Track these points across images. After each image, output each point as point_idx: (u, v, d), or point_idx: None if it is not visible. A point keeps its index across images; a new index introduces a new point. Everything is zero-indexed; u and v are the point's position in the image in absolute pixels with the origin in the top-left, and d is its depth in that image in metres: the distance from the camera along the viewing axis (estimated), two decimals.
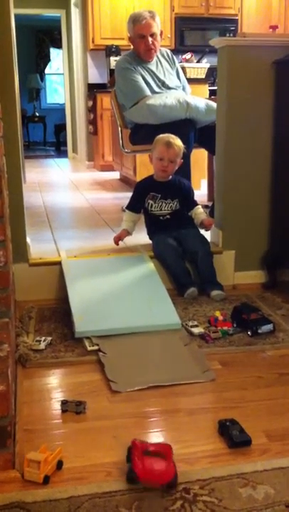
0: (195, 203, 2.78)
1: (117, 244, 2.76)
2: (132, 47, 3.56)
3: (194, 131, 3.31)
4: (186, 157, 3.16)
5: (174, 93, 3.46)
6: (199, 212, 2.76)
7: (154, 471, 1.26)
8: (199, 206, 2.78)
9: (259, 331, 2.13)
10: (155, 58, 3.56)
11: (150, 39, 3.42)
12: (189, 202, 2.76)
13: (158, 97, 3.39)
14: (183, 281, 2.55)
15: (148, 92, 3.43)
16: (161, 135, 2.75)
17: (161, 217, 2.73)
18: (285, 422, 1.57)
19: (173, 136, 2.72)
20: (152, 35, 3.42)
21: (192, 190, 2.82)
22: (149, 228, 2.82)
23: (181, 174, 2.81)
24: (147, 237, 2.78)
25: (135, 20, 3.42)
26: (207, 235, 2.83)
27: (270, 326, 2.15)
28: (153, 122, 3.34)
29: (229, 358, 1.96)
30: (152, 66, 3.54)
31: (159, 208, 2.72)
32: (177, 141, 2.68)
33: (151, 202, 2.72)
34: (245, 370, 1.89)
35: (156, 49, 3.49)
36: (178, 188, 2.73)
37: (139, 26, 3.41)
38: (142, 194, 2.75)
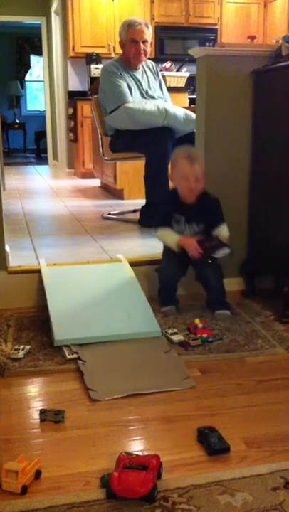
0: (220, 221, 2.42)
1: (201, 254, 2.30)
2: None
3: (172, 140, 3.33)
4: (164, 167, 3.18)
5: (154, 101, 3.50)
6: (223, 233, 2.40)
7: (130, 486, 1.25)
8: (224, 226, 2.42)
9: (216, 257, 2.16)
10: (141, 67, 3.63)
11: (142, 45, 3.50)
12: (215, 220, 2.42)
13: (138, 102, 3.43)
14: (166, 298, 2.49)
15: (130, 98, 3.47)
16: (177, 150, 2.48)
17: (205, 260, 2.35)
18: (263, 428, 1.58)
19: (193, 148, 2.50)
20: (144, 41, 3.53)
21: (219, 207, 2.43)
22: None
23: (159, 183, 2.80)
24: (128, 244, 2.74)
25: (130, 25, 3.52)
26: None
27: (226, 249, 2.19)
28: (131, 128, 3.37)
29: (208, 366, 1.97)
30: (138, 74, 3.60)
31: (181, 231, 2.40)
32: (199, 155, 2.46)
33: (174, 224, 2.40)
34: (225, 377, 1.89)
35: (145, 55, 3.56)
36: (204, 209, 2.39)
37: (133, 31, 3.50)
38: (168, 210, 2.42)
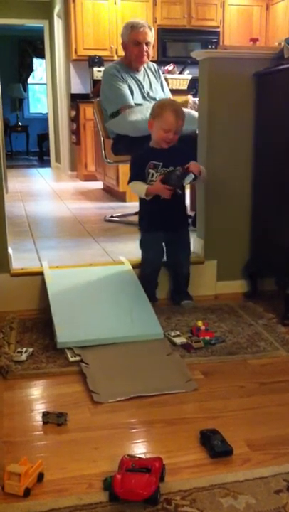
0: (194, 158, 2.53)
1: (171, 193, 2.40)
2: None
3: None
4: None
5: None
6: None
7: (133, 489, 1.25)
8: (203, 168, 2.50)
9: (184, 184, 2.36)
10: (143, 69, 3.64)
11: (145, 47, 3.52)
12: (189, 159, 2.47)
13: (139, 110, 3.41)
14: (147, 293, 2.50)
15: (131, 101, 3.48)
16: (164, 100, 2.60)
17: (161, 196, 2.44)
18: (266, 431, 1.58)
19: (177, 101, 2.57)
20: (147, 43, 3.54)
21: (191, 149, 2.60)
22: (143, 215, 2.59)
23: None
24: (130, 246, 2.75)
25: (133, 27, 3.54)
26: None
27: (190, 175, 2.36)
28: (133, 135, 3.37)
29: (211, 368, 1.97)
30: (140, 76, 3.62)
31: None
32: (182, 109, 2.50)
33: (152, 171, 2.47)
34: (227, 379, 1.89)
35: (148, 57, 3.59)
36: (179, 153, 2.48)
37: (136, 32, 3.52)
38: (141, 165, 2.49)
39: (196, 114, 3.10)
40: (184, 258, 2.62)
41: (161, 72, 3.81)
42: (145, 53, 3.54)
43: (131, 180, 2.54)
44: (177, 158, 2.45)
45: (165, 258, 2.62)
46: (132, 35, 3.52)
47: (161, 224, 2.52)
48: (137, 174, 2.51)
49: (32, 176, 7.68)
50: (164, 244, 2.59)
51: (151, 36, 3.56)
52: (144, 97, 3.58)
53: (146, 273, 2.58)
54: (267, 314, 2.45)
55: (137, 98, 3.55)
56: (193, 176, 2.40)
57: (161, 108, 2.47)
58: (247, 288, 2.76)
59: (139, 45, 3.52)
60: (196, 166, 2.42)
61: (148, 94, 3.60)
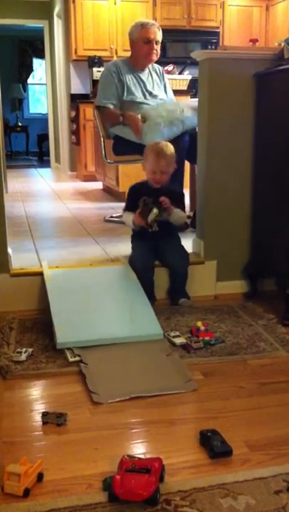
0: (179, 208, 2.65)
1: (148, 226, 2.57)
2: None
3: (186, 136, 3.32)
4: (180, 163, 3.17)
5: (167, 116, 3.43)
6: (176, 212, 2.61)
7: (132, 489, 1.25)
8: (180, 211, 2.64)
9: (149, 220, 2.50)
10: (147, 70, 3.67)
11: (154, 45, 3.54)
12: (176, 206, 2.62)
13: (154, 127, 3.33)
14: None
15: (110, 105, 3.53)
16: (152, 143, 2.68)
17: (149, 229, 2.59)
18: (265, 431, 1.57)
19: (164, 144, 2.64)
20: (156, 42, 3.56)
21: (184, 197, 2.74)
22: (133, 235, 2.76)
23: (172, 179, 2.79)
24: (129, 246, 2.77)
25: (143, 25, 3.57)
26: (189, 245, 2.84)
27: (154, 211, 2.47)
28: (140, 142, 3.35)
29: (211, 368, 1.97)
30: (143, 76, 3.64)
31: (150, 211, 2.57)
32: (169, 149, 2.60)
33: (142, 206, 2.58)
34: (227, 380, 1.89)
35: (156, 55, 3.61)
36: (170, 194, 2.58)
37: (146, 30, 3.54)
38: (135, 197, 2.64)
39: None
40: (176, 257, 2.64)
41: (165, 75, 3.82)
42: (154, 51, 3.56)
43: (125, 209, 2.74)
44: (166, 196, 2.54)
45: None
46: (143, 33, 3.53)
47: (148, 236, 2.63)
48: (131, 205, 2.67)
49: (32, 176, 7.68)
50: (156, 247, 2.64)
51: (160, 35, 3.58)
52: (144, 95, 3.59)
53: (136, 269, 2.57)
54: (267, 315, 2.45)
55: (137, 95, 3.56)
56: (156, 212, 2.50)
57: (147, 149, 2.64)
58: (247, 288, 2.76)
59: (149, 43, 3.53)
60: (163, 198, 2.53)
61: (150, 93, 3.61)
